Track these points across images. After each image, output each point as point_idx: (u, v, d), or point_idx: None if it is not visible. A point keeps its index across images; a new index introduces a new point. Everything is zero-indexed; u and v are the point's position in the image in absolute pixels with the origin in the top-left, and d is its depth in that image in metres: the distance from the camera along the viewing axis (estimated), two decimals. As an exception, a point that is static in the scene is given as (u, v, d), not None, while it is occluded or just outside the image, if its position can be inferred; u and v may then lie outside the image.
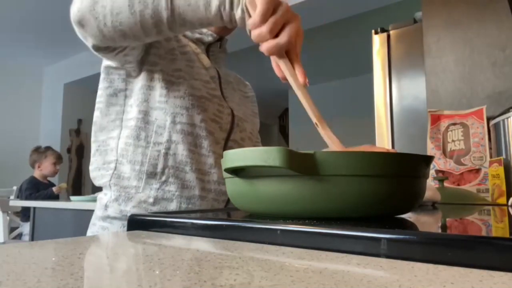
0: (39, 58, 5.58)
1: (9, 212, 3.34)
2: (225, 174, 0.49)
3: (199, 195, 0.79)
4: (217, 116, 0.83)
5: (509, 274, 0.25)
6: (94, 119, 0.85)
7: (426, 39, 1.85)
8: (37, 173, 3.72)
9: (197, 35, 0.92)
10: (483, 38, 1.71)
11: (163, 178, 0.77)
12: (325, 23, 3.44)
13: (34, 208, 2.86)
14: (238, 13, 0.59)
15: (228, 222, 0.42)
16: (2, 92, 5.49)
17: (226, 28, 0.90)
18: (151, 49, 0.81)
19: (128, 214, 0.76)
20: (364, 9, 3.23)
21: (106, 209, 0.80)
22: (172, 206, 0.78)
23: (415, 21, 2.12)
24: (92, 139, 0.86)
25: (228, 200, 0.83)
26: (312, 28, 3.51)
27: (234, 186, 0.49)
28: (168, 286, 0.23)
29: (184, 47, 0.86)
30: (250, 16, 0.57)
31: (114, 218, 0.79)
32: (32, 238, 2.85)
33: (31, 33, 4.73)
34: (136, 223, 0.51)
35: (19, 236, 3.66)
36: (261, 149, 0.41)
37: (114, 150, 0.82)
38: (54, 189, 3.62)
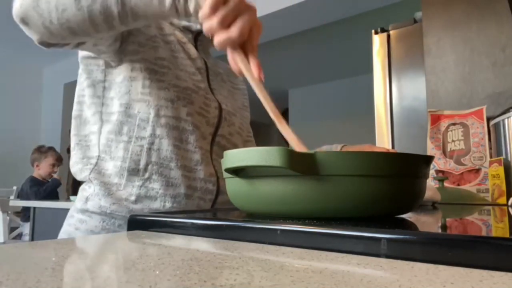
0: (39, 58, 5.58)
1: (9, 212, 3.34)
2: (225, 174, 0.49)
3: (185, 193, 0.74)
4: (203, 110, 0.79)
5: (509, 274, 0.25)
6: (74, 112, 0.81)
7: (426, 39, 1.85)
8: (36, 173, 3.72)
9: (185, 23, 0.86)
10: (483, 38, 1.71)
11: (146, 175, 0.73)
12: (325, 23, 3.44)
13: (34, 208, 2.86)
14: (191, 6, 0.57)
15: (228, 222, 0.42)
16: (3, 92, 5.49)
17: None
18: (129, 37, 0.76)
19: (108, 211, 0.73)
20: (364, 9, 3.22)
21: (86, 202, 0.75)
22: (156, 205, 0.73)
23: (415, 21, 2.12)
24: (72, 132, 0.81)
25: (215, 200, 0.79)
26: (312, 28, 3.51)
27: (234, 186, 0.49)
28: (168, 286, 0.23)
29: (168, 36, 0.81)
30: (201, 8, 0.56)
31: (93, 212, 0.74)
32: (32, 238, 2.85)
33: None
34: (136, 223, 0.51)
35: (19, 236, 3.66)
36: (261, 149, 0.41)
37: (96, 146, 0.77)
38: (55, 176, 3.65)
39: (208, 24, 0.54)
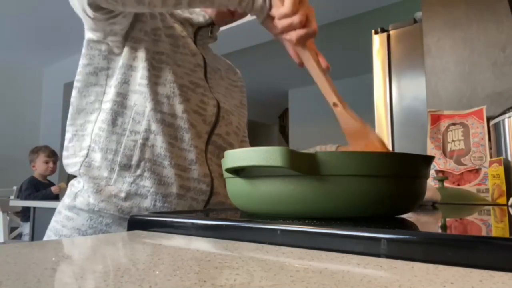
0: (39, 58, 5.58)
1: (9, 212, 3.34)
2: (226, 174, 0.49)
3: (177, 193, 0.72)
4: (200, 108, 0.78)
5: (509, 274, 0.25)
6: (71, 99, 0.78)
7: (426, 39, 1.85)
8: (36, 173, 3.73)
9: (187, 15, 0.85)
10: (483, 38, 1.71)
11: (138, 172, 0.71)
12: (325, 23, 3.44)
13: (34, 208, 2.86)
14: (259, 1, 0.63)
15: (228, 222, 0.42)
16: (2, 92, 5.49)
17: (224, 18, 0.86)
18: (136, 23, 0.75)
19: (96, 209, 0.71)
20: (364, 9, 3.23)
21: (75, 198, 0.73)
22: (146, 204, 0.71)
23: (415, 21, 2.12)
24: (69, 122, 0.79)
25: (208, 201, 0.77)
26: (312, 28, 3.51)
27: (234, 186, 0.49)
28: (168, 286, 0.23)
29: (170, 28, 0.80)
30: (271, 6, 0.63)
31: (81, 209, 0.72)
32: (32, 238, 2.85)
33: (31, 33, 4.73)
34: (136, 223, 0.51)
35: (19, 236, 3.66)
36: (262, 149, 0.41)
37: (89, 135, 0.75)
38: (52, 188, 3.62)
39: (288, 21, 0.62)
